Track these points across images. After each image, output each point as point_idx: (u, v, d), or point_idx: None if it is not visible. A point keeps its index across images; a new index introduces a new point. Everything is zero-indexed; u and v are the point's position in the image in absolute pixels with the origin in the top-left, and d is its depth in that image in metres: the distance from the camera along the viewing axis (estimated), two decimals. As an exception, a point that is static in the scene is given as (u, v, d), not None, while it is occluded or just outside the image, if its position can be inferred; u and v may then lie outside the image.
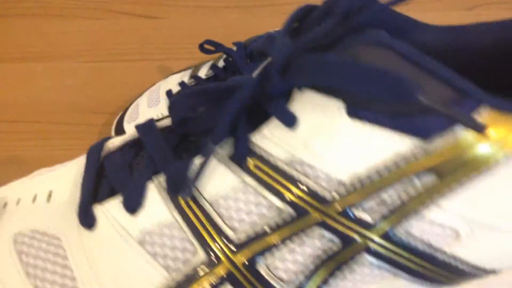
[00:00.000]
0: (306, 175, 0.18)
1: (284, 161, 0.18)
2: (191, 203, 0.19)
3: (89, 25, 0.45)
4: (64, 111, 0.40)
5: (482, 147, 0.17)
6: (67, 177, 0.22)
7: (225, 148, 0.19)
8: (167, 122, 0.22)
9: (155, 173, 0.20)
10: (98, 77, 0.42)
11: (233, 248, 0.18)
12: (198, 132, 0.21)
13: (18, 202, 0.22)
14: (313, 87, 0.18)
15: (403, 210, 0.17)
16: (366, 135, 0.17)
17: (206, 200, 0.19)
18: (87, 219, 0.20)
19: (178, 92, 0.36)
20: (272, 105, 0.19)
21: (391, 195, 0.17)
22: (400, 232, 0.18)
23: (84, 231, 0.20)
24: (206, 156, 0.19)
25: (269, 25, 0.37)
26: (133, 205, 0.20)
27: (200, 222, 0.19)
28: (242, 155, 0.19)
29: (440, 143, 0.17)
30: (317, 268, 0.18)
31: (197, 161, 0.19)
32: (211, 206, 0.19)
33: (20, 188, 0.23)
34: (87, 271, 0.19)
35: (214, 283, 0.18)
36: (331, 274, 0.18)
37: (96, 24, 0.45)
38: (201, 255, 0.19)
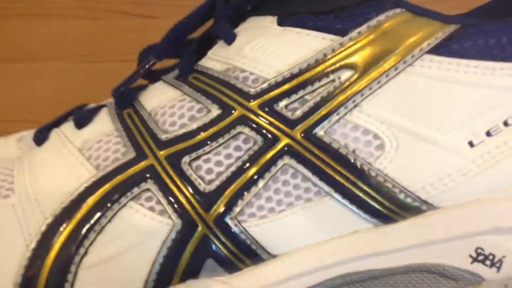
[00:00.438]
0: (236, 78, 0.19)
1: (220, 71, 0.20)
2: (133, 114, 0.21)
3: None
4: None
5: (396, 41, 0.18)
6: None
7: (173, 75, 0.22)
8: None
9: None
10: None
11: (160, 145, 0.19)
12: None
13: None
14: (256, 11, 0.21)
15: (324, 109, 0.18)
16: (291, 37, 0.20)
17: (146, 111, 0.21)
18: (40, 137, 0.22)
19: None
20: (217, 26, 0.22)
21: (311, 93, 0.19)
22: (322, 134, 0.18)
23: (35, 149, 0.22)
24: (145, 66, 0.22)
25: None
26: (82, 123, 0.22)
27: (136, 128, 0.20)
28: (185, 74, 0.21)
29: (356, 36, 0.18)
30: (239, 171, 0.19)
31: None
32: (150, 115, 0.20)
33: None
34: (25, 176, 0.21)
35: (136, 177, 0.19)
36: (253, 180, 0.19)
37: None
38: (131, 154, 0.20)
